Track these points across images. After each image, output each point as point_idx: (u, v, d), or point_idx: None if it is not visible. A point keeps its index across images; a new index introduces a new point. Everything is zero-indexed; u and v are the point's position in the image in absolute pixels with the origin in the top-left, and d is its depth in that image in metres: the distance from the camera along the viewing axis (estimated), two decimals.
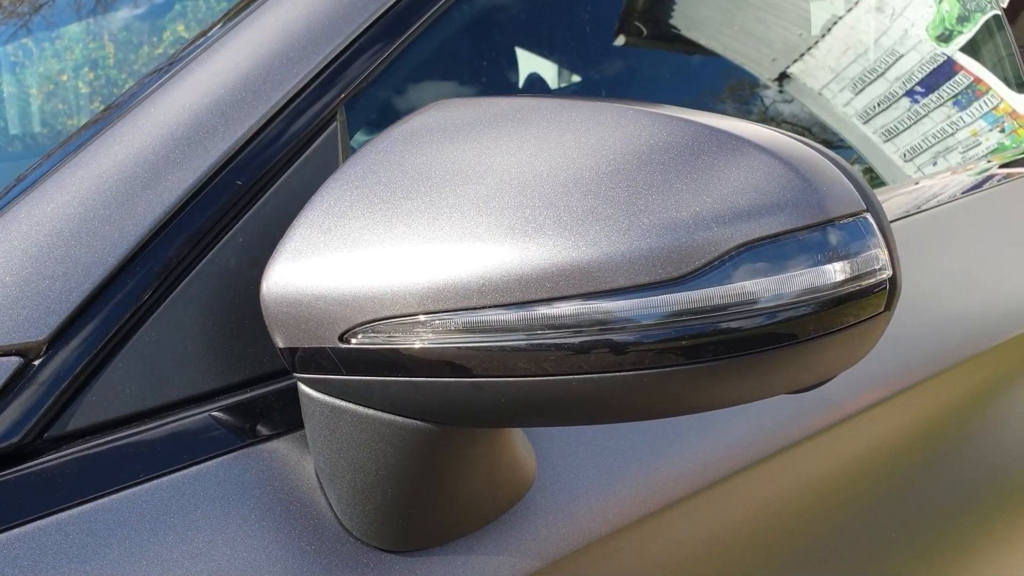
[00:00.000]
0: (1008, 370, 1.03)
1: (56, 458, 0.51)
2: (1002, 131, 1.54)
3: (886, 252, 0.49)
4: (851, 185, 0.48)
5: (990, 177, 1.35)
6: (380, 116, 0.71)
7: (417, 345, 0.48)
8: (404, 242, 0.48)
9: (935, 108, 1.43)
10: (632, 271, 0.44)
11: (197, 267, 0.56)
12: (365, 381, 0.50)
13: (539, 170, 0.48)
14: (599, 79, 1.12)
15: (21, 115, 1.25)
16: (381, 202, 0.49)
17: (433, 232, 0.47)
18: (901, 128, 1.38)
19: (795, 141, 0.49)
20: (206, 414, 0.56)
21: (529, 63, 1.06)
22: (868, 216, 0.48)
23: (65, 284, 0.52)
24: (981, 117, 1.52)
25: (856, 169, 0.50)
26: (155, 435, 0.53)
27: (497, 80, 0.85)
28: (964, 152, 1.44)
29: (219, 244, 0.57)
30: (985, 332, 1.00)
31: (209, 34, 0.66)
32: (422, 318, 0.47)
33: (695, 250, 0.44)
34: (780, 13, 1.35)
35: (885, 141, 1.37)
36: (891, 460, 0.87)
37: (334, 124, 0.61)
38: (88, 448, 0.52)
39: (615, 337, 0.45)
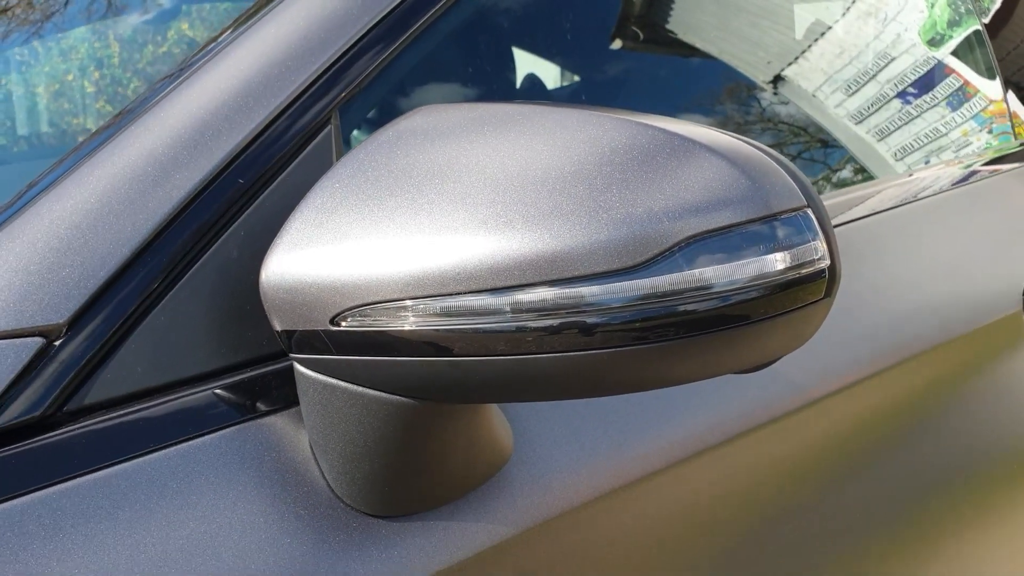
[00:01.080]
0: (975, 358, 1.08)
1: (74, 429, 0.56)
2: (990, 132, 1.59)
3: (824, 244, 0.53)
4: (794, 183, 0.53)
5: (974, 173, 1.39)
6: (371, 119, 0.77)
7: (400, 327, 0.52)
8: (389, 234, 0.53)
9: (927, 109, 1.47)
10: (591, 261, 0.49)
11: (203, 257, 0.61)
12: (354, 360, 0.55)
13: (510, 170, 0.53)
14: (593, 84, 1.17)
15: (30, 115, 1.30)
16: (369, 199, 0.54)
17: (415, 225, 0.52)
18: (893, 128, 1.42)
19: (742, 143, 0.54)
20: (210, 391, 0.61)
21: (519, 68, 1.11)
22: (809, 211, 0.53)
23: (83, 272, 0.57)
24: (972, 118, 1.57)
25: (799, 169, 0.55)
26: (164, 410, 0.59)
27: (480, 85, 0.90)
28: (956, 151, 1.48)
29: (223, 237, 0.62)
30: (952, 322, 1.04)
31: (214, 43, 0.71)
32: (405, 303, 0.52)
33: (648, 241, 0.49)
34: (775, 18, 1.39)
35: (878, 140, 1.41)
36: (857, 443, 0.92)
37: (329, 127, 0.66)
38: (103, 420, 0.57)
39: (575, 319, 0.50)
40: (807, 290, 0.53)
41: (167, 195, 0.60)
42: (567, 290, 0.50)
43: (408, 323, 0.52)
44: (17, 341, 0.55)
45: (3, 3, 1.33)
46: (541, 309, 0.50)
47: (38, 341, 0.55)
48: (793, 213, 0.52)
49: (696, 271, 0.50)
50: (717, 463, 0.76)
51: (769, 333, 0.53)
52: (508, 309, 0.51)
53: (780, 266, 0.51)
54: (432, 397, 0.56)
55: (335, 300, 0.53)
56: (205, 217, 0.61)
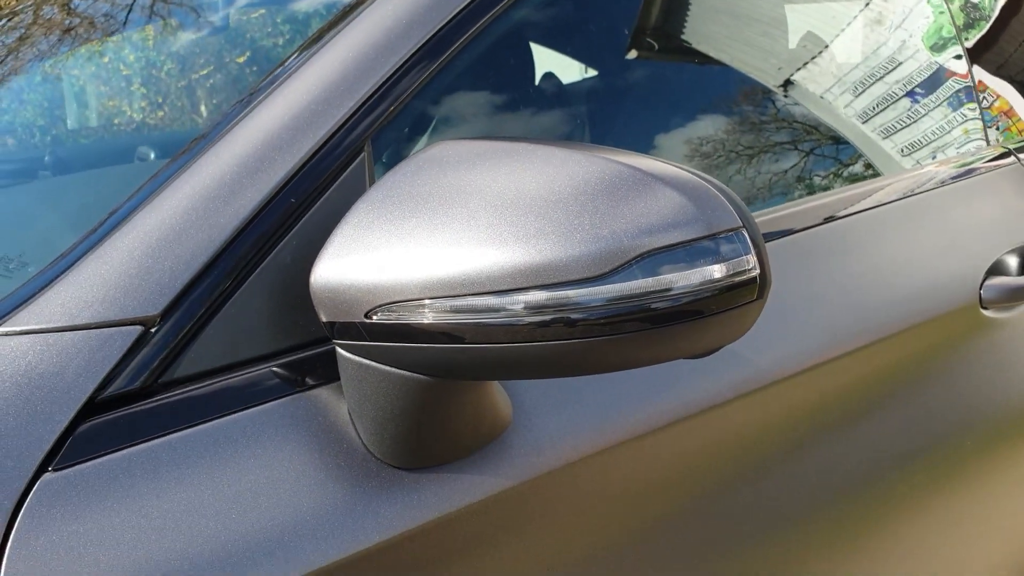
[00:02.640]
0: (932, 346, 1.19)
1: (167, 397, 0.70)
2: (996, 129, 1.67)
3: (755, 257, 0.66)
4: (732, 208, 0.66)
5: (959, 174, 1.48)
6: (397, 148, 0.91)
7: (420, 321, 0.66)
8: (411, 247, 0.66)
9: (932, 109, 1.56)
10: (568, 270, 0.62)
11: (264, 262, 0.75)
12: (383, 346, 0.68)
13: (507, 197, 0.66)
14: (612, 92, 1.27)
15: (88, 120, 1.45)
16: (395, 218, 0.68)
17: (431, 241, 0.66)
18: (899, 127, 1.52)
19: (691, 175, 0.67)
20: (269, 369, 0.75)
21: (531, 97, 1.22)
22: (744, 231, 0.66)
23: (172, 273, 0.72)
24: (973, 118, 1.65)
25: (737, 195, 0.68)
26: (235, 383, 0.73)
27: (486, 116, 1.04)
28: (958, 148, 1.57)
29: (279, 245, 0.75)
30: (912, 313, 1.15)
31: (267, 81, 0.85)
32: (424, 301, 0.65)
33: (612, 256, 0.63)
34: (785, 27, 1.49)
35: (883, 139, 1.50)
36: (816, 421, 1.04)
37: (362, 155, 0.81)
38: (189, 391, 0.71)
39: (561, 315, 0.64)
40: (742, 293, 0.66)
41: (235, 212, 0.75)
42: (554, 293, 0.63)
43: (426, 317, 0.65)
44: (122, 328, 0.70)
45: (66, 23, 1.49)
46: (533, 307, 0.63)
47: (138, 328, 0.70)
48: (730, 232, 0.65)
49: (651, 279, 0.63)
50: (683, 434, 0.90)
51: (712, 327, 0.66)
52: (506, 307, 0.64)
53: (719, 275, 0.64)
54: (445, 375, 0.70)
55: (369, 298, 0.67)
56: (265, 229, 0.75)
